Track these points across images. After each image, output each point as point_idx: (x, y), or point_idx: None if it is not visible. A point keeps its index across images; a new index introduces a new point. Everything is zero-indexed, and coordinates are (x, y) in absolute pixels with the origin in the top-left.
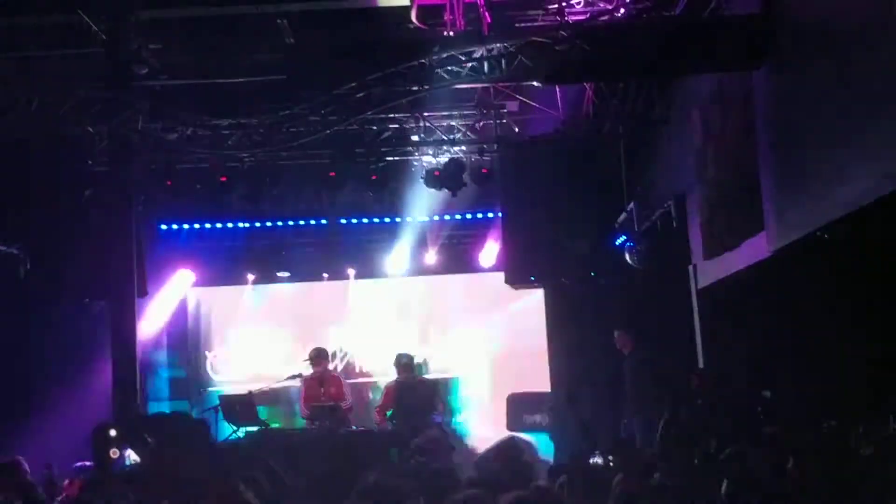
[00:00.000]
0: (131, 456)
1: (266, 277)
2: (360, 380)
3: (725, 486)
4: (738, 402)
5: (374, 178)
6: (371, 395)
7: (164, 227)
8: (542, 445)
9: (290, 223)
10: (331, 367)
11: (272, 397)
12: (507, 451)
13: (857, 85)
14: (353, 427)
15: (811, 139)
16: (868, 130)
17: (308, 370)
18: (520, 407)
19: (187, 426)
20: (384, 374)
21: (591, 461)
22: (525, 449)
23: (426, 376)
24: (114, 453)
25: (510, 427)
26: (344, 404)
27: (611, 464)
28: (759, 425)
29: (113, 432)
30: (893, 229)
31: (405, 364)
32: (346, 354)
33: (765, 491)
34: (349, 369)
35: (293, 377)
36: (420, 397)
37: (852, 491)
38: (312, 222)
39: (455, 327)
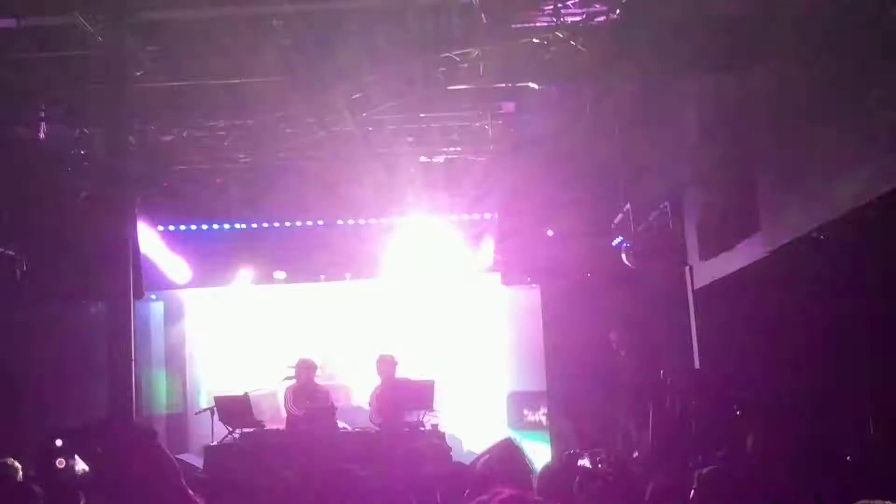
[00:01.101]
0: (78, 465)
1: (262, 278)
2: (352, 383)
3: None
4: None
5: (370, 179)
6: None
7: (160, 228)
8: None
9: (287, 224)
10: (318, 374)
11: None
12: (505, 453)
13: (854, 86)
14: (348, 428)
15: (806, 140)
16: (863, 131)
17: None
18: (520, 405)
19: (134, 434)
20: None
21: (579, 463)
22: (522, 450)
23: (420, 377)
24: (60, 463)
25: (511, 424)
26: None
27: (599, 465)
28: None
29: (59, 442)
30: (888, 230)
31: (389, 363)
32: (339, 357)
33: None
34: (342, 371)
35: (290, 378)
36: (414, 398)
37: (836, 493)
38: (309, 223)
39: (451, 328)
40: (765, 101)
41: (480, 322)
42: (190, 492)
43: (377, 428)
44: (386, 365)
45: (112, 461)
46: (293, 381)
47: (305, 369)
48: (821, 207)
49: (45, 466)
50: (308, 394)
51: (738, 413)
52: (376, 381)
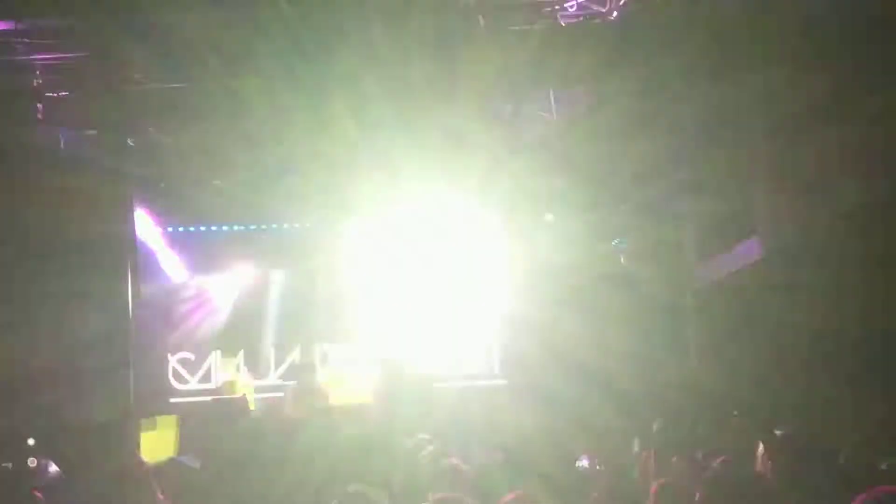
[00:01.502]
0: (51, 466)
1: (260, 279)
2: (347, 385)
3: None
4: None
5: (369, 181)
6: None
7: (159, 229)
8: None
9: (285, 226)
10: (318, 374)
11: None
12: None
13: (850, 90)
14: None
15: (802, 143)
16: (859, 135)
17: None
18: None
19: (104, 438)
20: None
21: (577, 464)
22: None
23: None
24: (31, 462)
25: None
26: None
27: (598, 466)
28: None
29: (31, 441)
30: (884, 232)
31: (391, 368)
32: (335, 359)
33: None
34: (338, 374)
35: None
36: (411, 400)
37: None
38: (308, 225)
39: (447, 330)
40: (762, 104)
41: (475, 325)
42: (160, 495)
43: (373, 430)
44: (389, 369)
45: (81, 462)
46: (293, 382)
47: (302, 368)
48: (817, 210)
49: (18, 465)
50: (307, 393)
51: (735, 415)
52: (378, 380)
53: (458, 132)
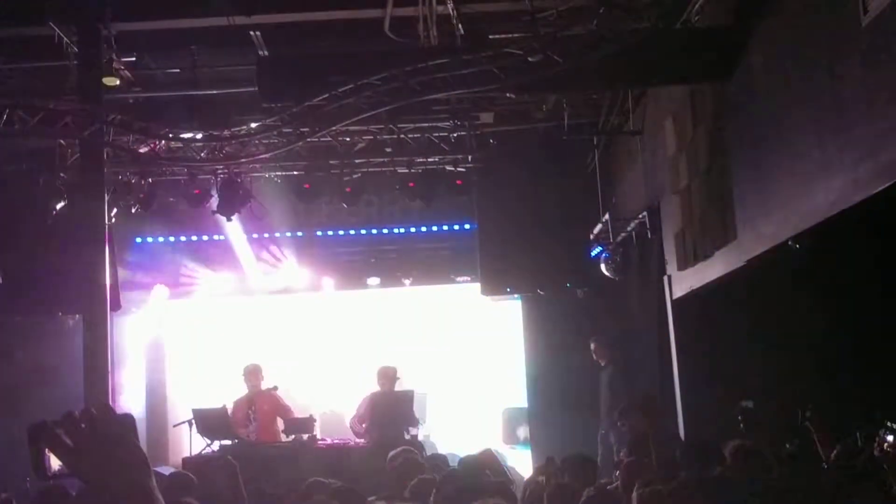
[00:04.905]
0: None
1: (240, 290)
2: (333, 394)
3: None
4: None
5: (347, 189)
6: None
7: (138, 240)
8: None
9: (266, 235)
10: (266, 384)
11: None
12: (483, 464)
13: (825, 96)
14: (328, 440)
15: (781, 150)
16: (835, 142)
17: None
18: (514, 421)
19: (111, 422)
20: (358, 388)
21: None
22: (500, 461)
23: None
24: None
25: (505, 440)
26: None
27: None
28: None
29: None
30: (863, 238)
31: (390, 376)
32: (318, 370)
33: None
34: (321, 384)
35: (272, 388)
36: (396, 410)
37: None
38: (288, 234)
39: (432, 339)
40: (740, 110)
41: (475, 335)
42: (159, 495)
43: (356, 439)
44: (385, 377)
45: (79, 453)
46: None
47: (251, 375)
48: (795, 217)
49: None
50: (252, 402)
51: (740, 420)
52: (369, 391)
53: None
